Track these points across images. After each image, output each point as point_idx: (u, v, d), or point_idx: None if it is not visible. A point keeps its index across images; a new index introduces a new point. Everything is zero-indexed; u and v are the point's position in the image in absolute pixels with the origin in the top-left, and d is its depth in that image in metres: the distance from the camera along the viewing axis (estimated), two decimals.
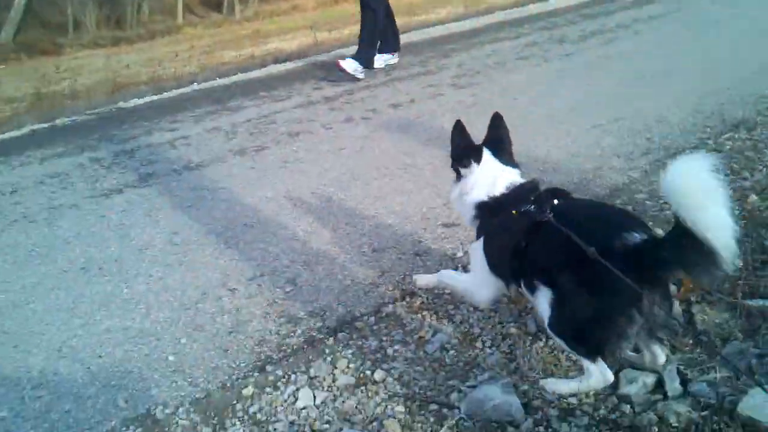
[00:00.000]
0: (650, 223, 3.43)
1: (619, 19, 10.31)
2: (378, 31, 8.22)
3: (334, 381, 2.91)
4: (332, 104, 7.20)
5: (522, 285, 2.71)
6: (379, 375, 2.89)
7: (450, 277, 3.23)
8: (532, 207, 2.69)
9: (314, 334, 3.28)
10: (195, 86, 8.86)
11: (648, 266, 2.24)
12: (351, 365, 3.00)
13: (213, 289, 3.76)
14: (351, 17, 15.45)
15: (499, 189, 2.91)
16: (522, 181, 2.97)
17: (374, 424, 2.60)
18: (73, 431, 2.77)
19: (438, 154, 5.20)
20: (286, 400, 2.83)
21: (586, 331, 2.43)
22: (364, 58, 8.21)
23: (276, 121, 6.78)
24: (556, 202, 2.67)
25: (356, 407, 2.73)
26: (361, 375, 2.93)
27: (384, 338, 3.16)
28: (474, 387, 2.70)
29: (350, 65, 8.12)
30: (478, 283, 2.99)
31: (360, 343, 3.15)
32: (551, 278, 2.51)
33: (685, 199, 2.08)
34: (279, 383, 2.94)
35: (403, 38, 9.06)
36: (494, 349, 2.98)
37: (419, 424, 2.57)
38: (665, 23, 9.80)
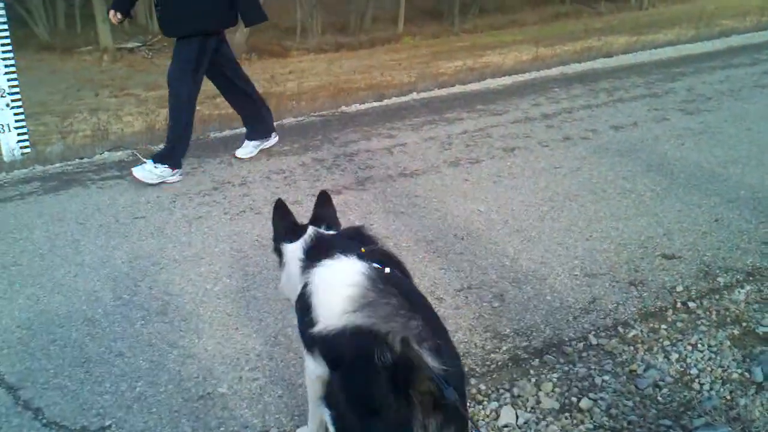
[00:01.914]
0: None
1: None
2: (183, 120, 6.06)
3: (538, 403, 2.87)
4: (550, 122, 7.11)
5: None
6: (585, 403, 2.82)
7: None
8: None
9: (519, 352, 3.25)
10: (414, 95, 9.07)
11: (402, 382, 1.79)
12: (556, 389, 2.95)
13: None
14: (571, 34, 15.24)
15: (319, 232, 2.53)
16: (352, 229, 2.61)
17: None
18: (283, 415, 2.92)
19: (661, 181, 5.00)
20: (488, 416, 2.83)
21: None
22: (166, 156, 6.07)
23: (492, 134, 6.80)
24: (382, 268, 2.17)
25: None
26: (567, 401, 2.87)
27: (592, 366, 3.08)
28: (690, 431, 2.57)
29: (147, 173, 6.00)
30: (304, 353, 2.44)
31: (567, 368, 3.09)
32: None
33: None
34: (481, 397, 2.95)
35: (629, 57, 8.75)
36: (713, 393, 2.81)
37: None
38: None
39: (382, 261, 2.20)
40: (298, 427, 2.80)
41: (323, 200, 2.70)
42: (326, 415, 2.04)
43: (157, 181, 5.98)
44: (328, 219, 2.64)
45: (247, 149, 6.70)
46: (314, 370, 2.32)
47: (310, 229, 2.51)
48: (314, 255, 2.33)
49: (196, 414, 2.92)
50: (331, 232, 2.53)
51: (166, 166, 6.00)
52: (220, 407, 2.97)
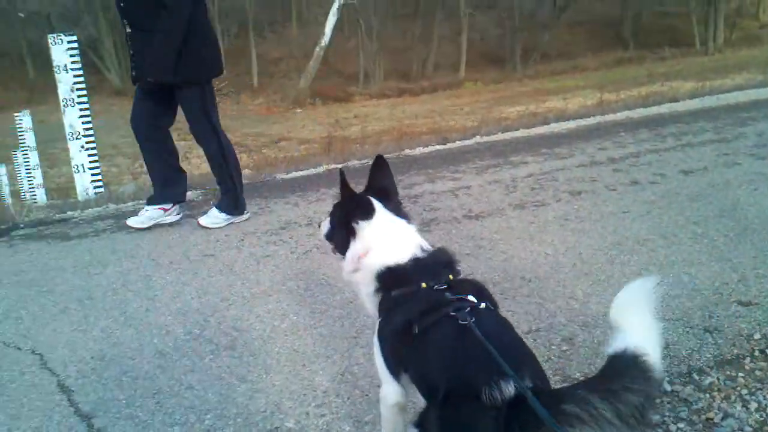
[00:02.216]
0: None
1: None
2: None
3: None
4: (617, 165, 7.05)
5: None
6: None
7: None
8: (447, 290, 2.14)
9: None
10: (478, 138, 9.11)
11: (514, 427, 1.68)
12: None
13: None
14: (634, 79, 15.13)
15: (411, 253, 2.33)
16: (433, 247, 2.42)
17: None
18: None
19: (734, 226, 4.89)
20: None
21: None
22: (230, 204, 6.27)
23: (557, 178, 6.77)
24: (477, 302, 2.09)
25: None
26: None
27: (667, 413, 2.99)
28: None
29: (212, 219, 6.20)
30: (383, 378, 2.32)
31: None
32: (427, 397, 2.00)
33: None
34: None
35: (696, 102, 8.66)
36: None
37: None
38: None
39: (475, 292, 2.17)
40: None
41: (380, 165, 2.58)
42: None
43: (225, 224, 6.11)
44: (387, 188, 2.55)
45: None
46: (394, 395, 2.26)
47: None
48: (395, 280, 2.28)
49: None
50: (421, 254, 2.35)
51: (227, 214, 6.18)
52: None
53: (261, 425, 3.11)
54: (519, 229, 5.43)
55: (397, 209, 2.52)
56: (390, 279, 2.30)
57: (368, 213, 2.41)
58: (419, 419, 1.99)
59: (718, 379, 3.21)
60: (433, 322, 2.04)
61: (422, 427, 1.96)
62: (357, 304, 4.23)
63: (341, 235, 2.49)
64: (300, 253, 5.31)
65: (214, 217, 6.10)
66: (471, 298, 2.12)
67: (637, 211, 5.60)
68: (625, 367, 1.67)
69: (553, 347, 3.63)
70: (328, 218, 2.67)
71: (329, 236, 2.65)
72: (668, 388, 3.18)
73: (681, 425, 2.90)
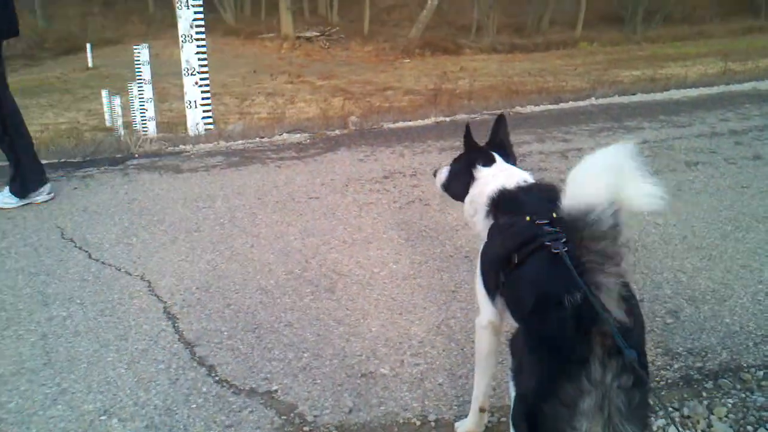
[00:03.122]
0: None
1: None
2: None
3: (709, 427, 2.72)
4: (739, 138, 6.72)
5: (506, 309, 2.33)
6: None
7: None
8: (549, 223, 2.21)
9: (692, 373, 3.09)
10: (592, 101, 8.84)
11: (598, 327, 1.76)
12: (731, 415, 2.78)
13: None
14: (764, 49, 14.32)
15: (515, 182, 2.52)
16: (542, 183, 2.58)
17: None
18: (442, 403, 2.92)
19: None
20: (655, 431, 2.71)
21: (535, 412, 1.89)
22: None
23: (674, 147, 6.51)
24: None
25: None
26: (742, 429, 2.70)
27: None
28: None
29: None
30: (480, 299, 2.52)
31: (744, 395, 2.91)
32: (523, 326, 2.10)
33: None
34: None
35: None
36: None
37: None
38: None
39: None
40: (457, 416, 2.80)
41: (501, 123, 2.79)
42: (510, 376, 2.06)
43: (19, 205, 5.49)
44: (505, 144, 2.78)
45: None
46: (488, 314, 2.45)
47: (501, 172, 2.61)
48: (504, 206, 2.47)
49: (358, 390, 2.98)
50: (530, 187, 2.53)
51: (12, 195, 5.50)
52: (381, 387, 3.01)
53: (356, 368, 3.15)
54: None
55: (513, 163, 2.75)
56: (500, 204, 2.50)
57: (489, 161, 2.67)
58: (512, 337, 2.15)
59: None
60: (530, 252, 2.16)
61: (513, 340, 2.12)
62: (457, 258, 4.25)
63: (462, 182, 2.74)
64: (403, 203, 5.31)
65: (7, 197, 5.49)
66: None
67: (758, 187, 5.33)
68: None
69: (657, 319, 3.53)
70: (446, 167, 2.92)
71: (446, 185, 2.90)
72: None
73: None
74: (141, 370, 3.15)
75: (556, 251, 2.04)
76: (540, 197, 2.41)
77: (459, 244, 4.52)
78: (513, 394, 2.03)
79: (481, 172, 2.66)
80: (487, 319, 2.45)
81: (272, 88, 23.89)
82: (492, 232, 2.49)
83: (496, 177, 2.59)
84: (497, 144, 2.77)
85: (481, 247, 2.53)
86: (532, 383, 1.92)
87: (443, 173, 2.93)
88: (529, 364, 1.96)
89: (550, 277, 2.02)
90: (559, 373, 1.81)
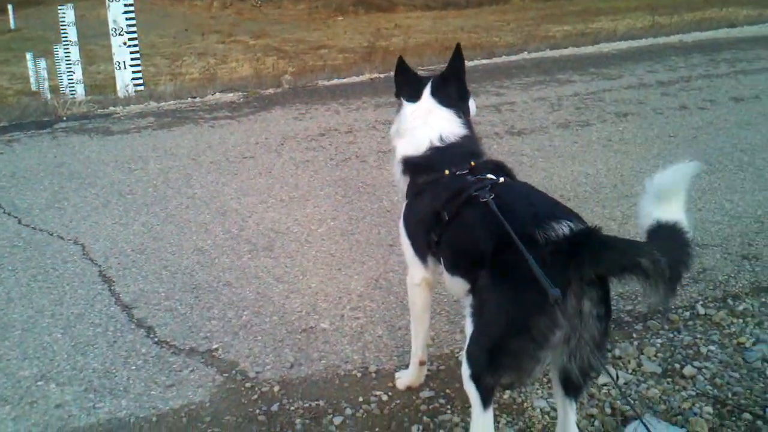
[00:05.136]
0: None
1: None
2: None
3: (639, 366, 2.82)
4: (666, 89, 6.88)
5: (442, 265, 2.32)
6: (688, 371, 2.75)
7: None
8: (469, 174, 2.26)
9: (623, 316, 3.20)
10: (525, 55, 8.92)
11: (577, 259, 1.81)
12: (659, 355, 2.89)
13: None
14: (690, 3, 14.62)
15: (432, 142, 2.44)
16: (463, 134, 2.48)
17: (678, 417, 2.49)
18: (382, 354, 2.96)
19: None
20: None
21: (500, 345, 1.93)
22: None
23: (604, 98, 6.64)
24: (496, 179, 2.23)
25: (660, 397, 2.63)
26: (669, 367, 2.81)
27: (698, 336, 3.00)
28: None
29: None
30: (409, 260, 2.53)
31: (671, 335, 3.02)
32: (471, 272, 2.08)
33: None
34: None
35: (754, 29, 8.37)
36: None
37: (728, 430, 2.41)
38: None
39: (495, 171, 2.30)
40: (398, 367, 2.84)
41: (457, 53, 2.61)
42: (467, 309, 2.07)
43: None
44: (458, 70, 2.61)
45: None
46: (421, 273, 2.47)
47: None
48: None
49: (299, 345, 3.00)
50: (445, 144, 2.45)
51: None
52: (321, 341, 3.04)
53: (296, 324, 3.17)
54: (561, 147, 5.36)
55: (448, 98, 2.57)
56: (413, 167, 2.47)
57: (416, 95, 2.58)
58: (473, 289, 2.08)
59: (752, 305, 3.20)
60: (461, 205, 2.17)
61: (475, 289, 2.06)
62: (394, 213, 4.27)
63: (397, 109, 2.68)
64: (339, 159, 5.31)
65: None
66: (490, 176, 2.24)
67: (684, 137, 5.49)
68: (669, 234, 1.87)
69: None
70: None
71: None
72: (701, 311, 3.18)
73: (712, 348, 2.91)
74: (77, 334, 3.11)
75: (483, 200, 2.07)
76: (459, 151, 2.41)
77: (395, 199, 4.55)
78: (470, 330, 2.03)
79: (405, 106, 2.60)
80: (421, 276, 2.49)
81: (203, 48, 23.42)
82: (411, 191, 2.47)
83: (412, 126, 2.53)
84: (452, 72, 2.61)
85: (403, 209, 2.52)
86: (501, 320, 1.94)
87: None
88: (495, 301, 1.97)
89: (508, 217, 1.98)
90: (533, 309, 1.83)
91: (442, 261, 2.32)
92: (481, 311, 2.02)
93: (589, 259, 1.81)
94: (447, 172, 2.31)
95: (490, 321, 1.99)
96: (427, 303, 2.57)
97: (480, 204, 2.09)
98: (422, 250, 2.42)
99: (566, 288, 1.80)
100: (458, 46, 2.63)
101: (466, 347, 2.05)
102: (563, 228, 1.87)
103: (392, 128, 2.69)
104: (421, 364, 2.65)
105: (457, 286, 2.23)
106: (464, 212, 2.17)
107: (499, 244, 1.96)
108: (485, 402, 2.04)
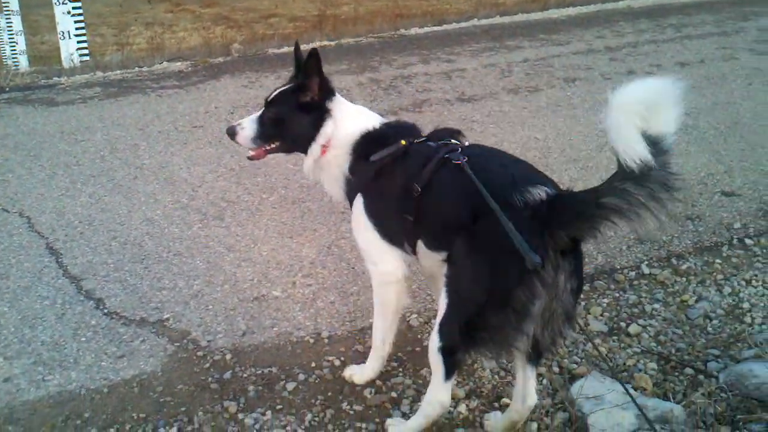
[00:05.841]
0: None
1: None
2: None
3: (586, 325, 2.89)
4: (614, 54, 6.96)
5: (415, 250, 2.21)
6: (634, 329, 2.83)
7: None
8: (429, 142, 2.18)
9: None
10: (475, 22, 8.93)
11: (553, 225, 1.79)
12: (605, 314, 2.96)
13: None
14: None
15: (376, 121, 2.36)
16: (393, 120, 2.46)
17: (624, 374, 2.56)
18: (335, 320, 2.98)
19: (725, 119, 4.90)
20: None
21: (478, 320, 1.89)
22: None
23: (553, 64, 6.68)
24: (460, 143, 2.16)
25: (607, 354, 2.70)
26: (615, 325, 2.88)
27: (643, 295, 3.07)
28: (737, 361, 2.57)
29: None
30: (380, 258, 2.31)
31: (617, 294, 3.10)
32: (448, 242, 2.01)
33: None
34: None
35: None
36: (764, 327, 2.80)
37: (671, 384, 2.49)
38: None
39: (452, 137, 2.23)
40: (350, 333, 2.86)
41: (316, 57, 2.32)
42: (443, 283, 2.01)
43: None
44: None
45: None
46: (401, 268, 2.29)
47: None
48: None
49: (251, 313, 3.00)
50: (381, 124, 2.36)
51: None
52: (273, 309, 3.04)
53: (248, 292, 3.17)
54: (511, 113, 5.40)
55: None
56: (368, 143, 2.29)
57: (333, 92, 2.39)
58: (448, 258, 2.03)
59: (695, 264, 3.29)
60: (433, 171, 2.08)
61: (450, 258, 2.01)
62: None
63: (307, 122, 2.38)
64: None
65: None
66: (453, 141, 2.17)
67: None
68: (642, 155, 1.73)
69: None
70: (251, 117, 2.51)
71: (267, 133, 2.48)
72: (646, 270, 3.25)
73: (656, 306, 2.99)
74: (25, 307, 3.07)
75: (457, 162, 2.01)
76: (401, 128, 2.34)
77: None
78: (445, 303, 1.98)
79: (342, 106, 2.38)
80: (400, 268, 2.29)
81: (151, 17, 22.89)
82: (363, 178, 2.28)
83: (350, 114, 2.38)
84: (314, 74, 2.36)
85: (360, 202, 2.30)
86: (479, 291, 1.90)
87: (249, 125, 2.50)
88: (472, 272, 1.93)
89: (485, 180, 1.92)
90: (513, 280, 1.80)
91: (420, 242, 2.18)
92: (458, 283, 1.97)
93: (558, 223, 1.79)
94: (403, 142, 2.20)
95: (466, 294, 1.95)
96: (404, 300, 2.39)
97: (454, 168, 2.02)
98: (397, 237, 2.25)
99: (544, 256, 1.76)
100: (314, 50, 2.34)
101: (439, 319, 2.01)
102: (540, 193, 1.84)
103: (315, 145, 2.37)
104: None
105: (434, 260, 2.14)
106: (438, 178, 2.06)
107: (475, 209, 1.91)
108: (449, 374, 2.04)
